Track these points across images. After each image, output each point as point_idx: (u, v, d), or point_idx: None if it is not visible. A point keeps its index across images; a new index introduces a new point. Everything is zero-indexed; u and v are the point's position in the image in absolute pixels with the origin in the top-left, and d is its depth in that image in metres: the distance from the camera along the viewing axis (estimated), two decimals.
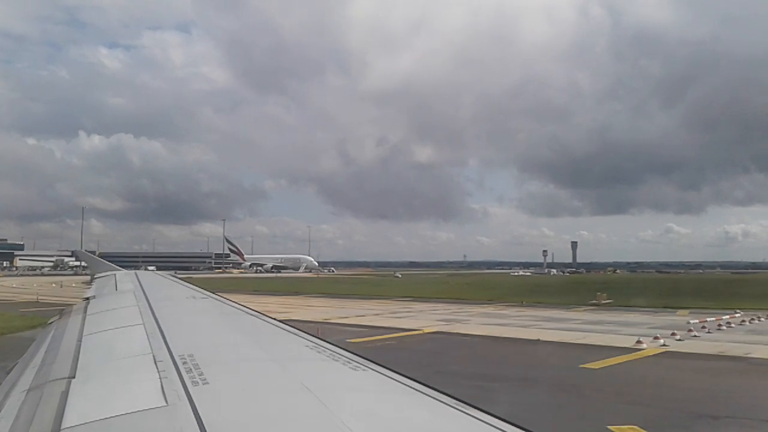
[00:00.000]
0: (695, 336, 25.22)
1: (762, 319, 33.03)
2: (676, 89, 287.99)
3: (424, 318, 34.60)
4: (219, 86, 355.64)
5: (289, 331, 3.91)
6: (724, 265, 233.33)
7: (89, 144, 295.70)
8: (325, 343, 3.39)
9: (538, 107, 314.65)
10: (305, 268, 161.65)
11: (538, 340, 24.37)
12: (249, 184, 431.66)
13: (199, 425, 1.84)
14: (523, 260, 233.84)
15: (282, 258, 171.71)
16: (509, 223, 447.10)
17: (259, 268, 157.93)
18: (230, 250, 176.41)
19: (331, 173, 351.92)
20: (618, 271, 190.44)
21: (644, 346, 22.15)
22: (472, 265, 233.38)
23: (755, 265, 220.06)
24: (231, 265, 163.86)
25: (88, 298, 6.51)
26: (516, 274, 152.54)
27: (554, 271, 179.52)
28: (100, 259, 13.21)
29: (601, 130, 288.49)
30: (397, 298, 52.33)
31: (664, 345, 22.49)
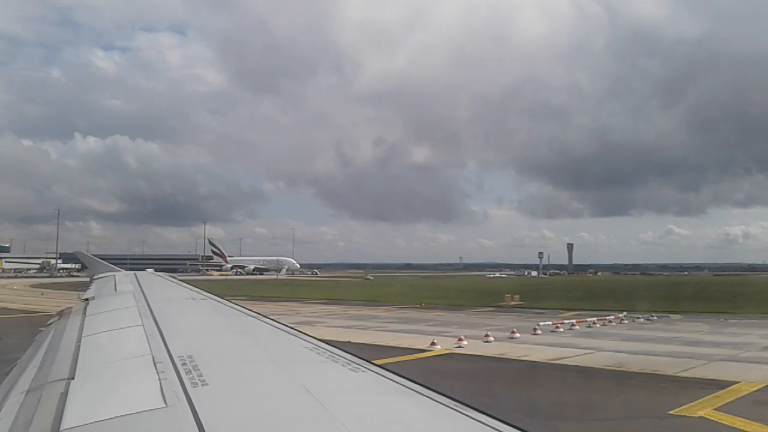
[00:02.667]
0: (517, 337, 25.67)
1: (639, 320, 33.87)
2: (676, 89, 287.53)
3: (285, 319, 34.96)
4: (215, 88, 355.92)
5: (289, 333, 3.91)
6: (724, 267, 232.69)
7: (85, 146, 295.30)
8: (324, 344, 3.39)
9: (535, 107, 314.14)
10: (287, 270, 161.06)
11: (349, 341, 24.16)
12: (247, 186, 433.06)
13: (198, 426, 1.83)
14: (523, 262, 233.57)
15: (263, 260, 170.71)
16: (509, 225, 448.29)
17: (240, 270, 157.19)
18: (213, 252, 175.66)
19: (329, 175, 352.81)
20: (599, 273, 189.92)
21: (437, 347, 22.51)
22: (467, 267, 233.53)
23: (752, 267, 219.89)
24: (212, 267, 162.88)
25: (87, 299, 6.50)
26: (491, 276, 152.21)
27: (534, 272, 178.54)
28: (99, 260, 13.20)
29: (601, 131, 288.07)
30: (309, 301, 53.43)
31: (458, 347, 22.76)
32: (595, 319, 32.28)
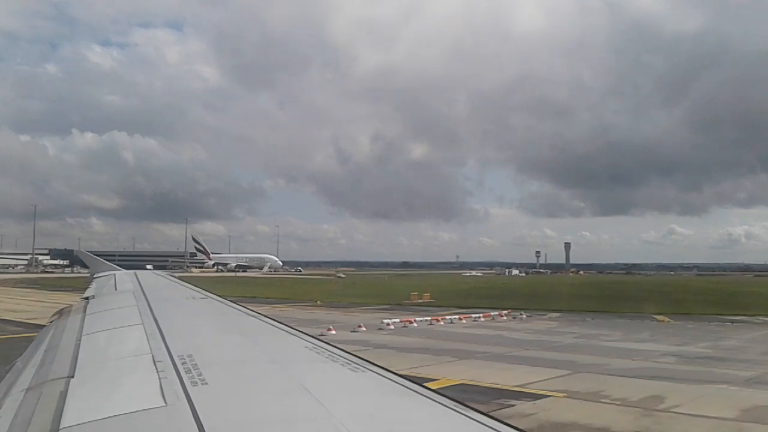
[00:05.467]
0: (361, 331, 27.29)
1: (522, 316, 35.16)
2: (678, 86, 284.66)
3: None
4: (212, 84, 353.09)
5: (289, 332, 3.92)
6: (724, 267, 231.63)
7: (83, 141, 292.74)
8: (324, 343, 3.40)
9: (535, 104, 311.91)
10: (269, 268, 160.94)
11: None
12: (247, 182, 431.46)
13: (197, 426, 1.84)
14: (525, 261, 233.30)
15: (246, 257, 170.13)
16: (511, 224, 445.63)
17: (222, 267, 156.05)
18: (197, 249, 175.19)
19: (329, 172, 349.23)
20: (581, 272, 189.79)
21: None
22: (464, 265, 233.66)
23: (749, 268, 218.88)
24: (194, 264, 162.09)
25: (87, 298, 6.50)
26: (467, 274, 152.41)
27: (516, 271, 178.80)
28: (100, 258, 13.21)
29: (602, 129, 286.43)
30: (229, 297, 53.07)
31: None
32: (481, 315, 34.04)
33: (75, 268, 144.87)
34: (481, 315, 34.21)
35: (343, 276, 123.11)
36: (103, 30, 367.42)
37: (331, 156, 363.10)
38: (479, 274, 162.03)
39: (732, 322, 33.48)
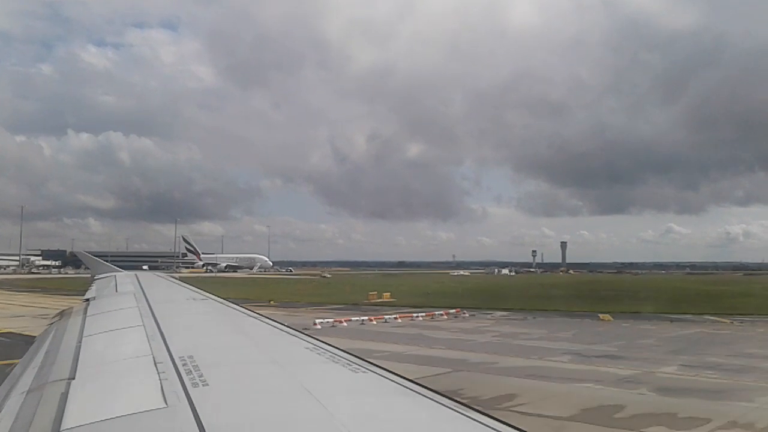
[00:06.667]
0: None
1: (465, 315, 35.76)
2: (676, 84, 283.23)
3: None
4: (207, 83, 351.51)
5: (290, 333, 3.92)
6: (720, 266, 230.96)
7: (78, 142, 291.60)
8: (325, 345, 3.39)
9: (532, 102, 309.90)
10: (259, 268, 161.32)
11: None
12: (244, 182, 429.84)
13: (198, 427, 1.84)
14: (524, 260, 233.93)
15: (236, 258, 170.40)
16: (509, 224, 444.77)
17: (211, 268, 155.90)
18: (187, 249, 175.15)
19: (325, 172, 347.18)
20: (571, 271, 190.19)
21: None
22: (460, 265, 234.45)
23: (744, 266, 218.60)
24: (183, 264, 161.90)
25: (88, 299, 6.51)
26: (455, 274, 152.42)
27: (505, 270, 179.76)
28: (100, 260, 13.21)
29: (600, 127, 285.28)
30: None
31: None
32: (424, 314, 34.40)
33: (64, 269, 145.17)
34: (424, 314, 34.42)
35: (328, 276, 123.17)
36: (97, 30, 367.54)
37: (328, 155, 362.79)
38: (467, 273, 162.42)
39: (671, 321, 33.83)
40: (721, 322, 33.77)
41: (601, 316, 34.91)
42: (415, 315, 34.28)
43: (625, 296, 54.72)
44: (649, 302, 46.08)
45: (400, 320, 32.85)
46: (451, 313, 35.93)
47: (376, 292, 50.57)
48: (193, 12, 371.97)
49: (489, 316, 36.82)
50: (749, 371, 18.62)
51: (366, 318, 32.18)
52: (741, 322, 33.16)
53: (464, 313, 36.35)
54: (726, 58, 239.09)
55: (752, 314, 37.33)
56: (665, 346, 24.40)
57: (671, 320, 34.19)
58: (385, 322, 31.97)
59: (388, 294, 50.80)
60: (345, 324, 30.02)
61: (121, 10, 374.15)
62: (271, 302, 46.59)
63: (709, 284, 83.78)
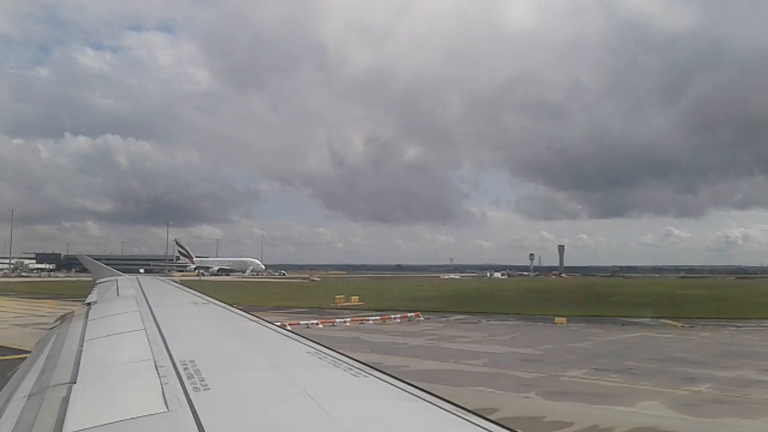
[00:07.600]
0: None
1: (419, 318, 35.87)
2: (674, 87, 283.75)
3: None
4: (205, 86, 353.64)
5: (291, 337, 3.92)
6: (718, 270, 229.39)
7: (76, 145, 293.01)
8: (326, 349, 3.39)
9: (530, 105, 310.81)
10: (252, 271, 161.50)
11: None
12: (242, 186, 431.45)
13: (200, 431, 1.83)
14: (523, 264, 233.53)
15: (229, 261, 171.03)
16: (508, 227, 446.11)
17: (203, 271, 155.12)
18: (180, 253, 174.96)
19: (323, 175, 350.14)
20: (563, 275, 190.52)
21: None
22: (458, 268, 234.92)
23: (741, 269, 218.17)
24: (176, 268, 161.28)
25: (89, 303, 6.51)
26: (446, 278, 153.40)
27: (497, 274, 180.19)
28: (102, 264, 13.23)
29: (598, 130, 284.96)
30: None
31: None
32: (378, 317, 34.54)
33: (55, 273, 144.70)
34: (378, 318, 34.43)
35: (317, 279, 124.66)
36: (95, 33, 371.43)
37: (326, 158, 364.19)
38: (458, 277, 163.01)
39: (623, 324, 34.19)
40: (673, 325, 33.94)
41: (556, 320, 34.99)
42: (368, 319, 34.00)
43: (595, 300, 54.89)
44: (613, 306, 46.76)
45: (349, 324, 32.64)
46: (408, 317, 35.70)
47: (343, 296, 50.59)
48: (189, 14, 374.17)
49: (443, 320, 36.97)
50: (655, 375, 18.54)
51: (315, 322, 31.78)
52: (692, 326, 33.19)
53: (420, 317, 36.35)
54: (725, 61, 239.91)
55: (713, 318, 37.80)
56: (593, 350, 24.42)
57: (623, 324, 34.42)
58: (333, 325, 31.87)
59: (357, 298, 50.89)
60: (289, 328, 29.70)
61: (118, 13, 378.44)
62: (234, 306, 46.23)
63: (694, 288, 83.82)
